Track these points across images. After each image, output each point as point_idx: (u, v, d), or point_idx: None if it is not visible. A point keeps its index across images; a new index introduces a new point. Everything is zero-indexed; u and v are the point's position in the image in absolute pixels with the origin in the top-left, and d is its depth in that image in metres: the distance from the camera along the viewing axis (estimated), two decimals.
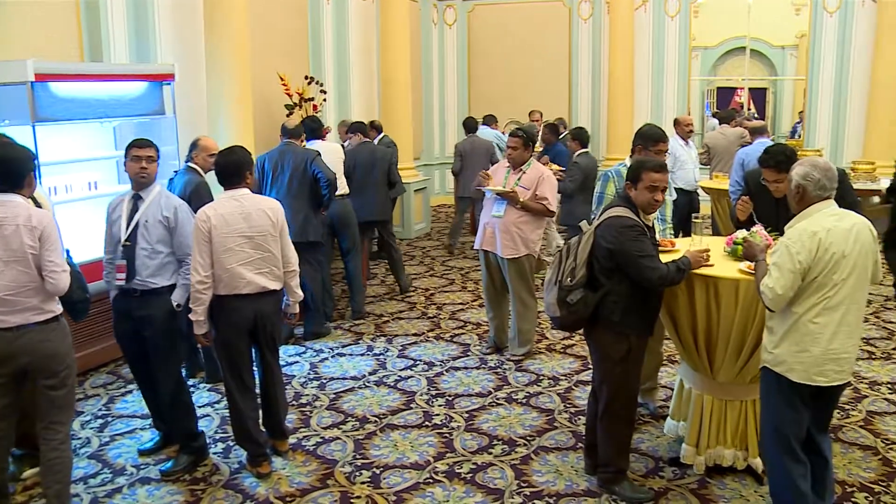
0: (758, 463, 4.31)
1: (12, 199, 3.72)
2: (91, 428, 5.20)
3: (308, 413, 5.38)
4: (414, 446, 4.87)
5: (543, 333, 6.93)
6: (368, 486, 4.39)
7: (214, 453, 4.80)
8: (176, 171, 6.11)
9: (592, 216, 4.99)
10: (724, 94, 22.64)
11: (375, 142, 9.88)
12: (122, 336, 4.66)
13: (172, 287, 4.53)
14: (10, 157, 3.80)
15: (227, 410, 4.74)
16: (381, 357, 6.49)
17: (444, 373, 6.12)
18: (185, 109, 7.23)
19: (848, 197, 4.67)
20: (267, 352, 4.62)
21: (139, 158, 4.46)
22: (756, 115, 16.23)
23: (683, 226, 8.08)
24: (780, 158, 4.61)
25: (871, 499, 4.24)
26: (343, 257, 7.67)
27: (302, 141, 7.16)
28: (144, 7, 7.46)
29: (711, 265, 4.18)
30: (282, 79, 9.25)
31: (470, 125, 10.46)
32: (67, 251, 4.00)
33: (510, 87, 13.93)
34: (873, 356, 6.52)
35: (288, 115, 9.02)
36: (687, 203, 8.23)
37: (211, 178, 5.07)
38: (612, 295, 4.02)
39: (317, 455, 4.76)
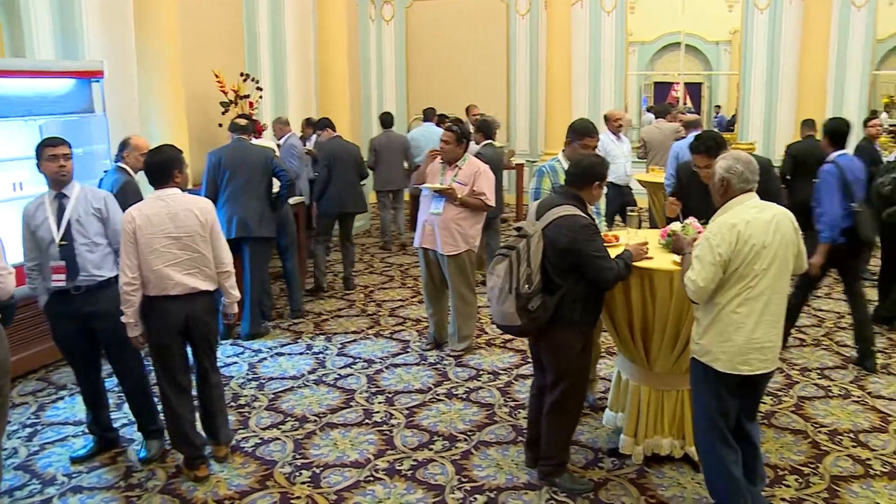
0: (694, 451, 4.38)
1: None
2: (18, 437, 5.04)
3: (247, 414, 5.31)
4: (354, 444, 4.84)
5: (483, 328, 6.96)
6: (308, 486, 4.36)
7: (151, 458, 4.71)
8: (106, 171, 5.97)
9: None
10: (661, 89, 22.98)
11: (313, 139, 9.82)
12: (65, 338, 4.57)
13: (117, 277, 4.42)
14: None
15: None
16: (321, 356, 6.44)
17: (384, 370, 6.10)
18: (115, 107, 7.07)
19: (772, 187, 4.79)
20: (201, 355, 4.54)
21: (56, 157, 4.38)
22: (692, 110, 16.51)
23: (613, 220, 8.24)
24: (710, 144, 4.71)
25: (800, 481, 4.36)
26: (281, 256, 7.60)
27: (251, 137, 7.08)
28: (70, 2, 7.26)
29: (650, 258, 4.24)
30: (216, 76, 9.09)
31: (385, 120, 10.64)
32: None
33: (448, 83, 13.92)
34: (804, 343, 6.69)
35: (223, 113, 8.87)
36: (617, 196, 8.33)
37: (143, 177, 4.96)
38: (570, 295, 4.01)
39: (256, 456, 4.70)
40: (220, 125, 8.57)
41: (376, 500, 4.21)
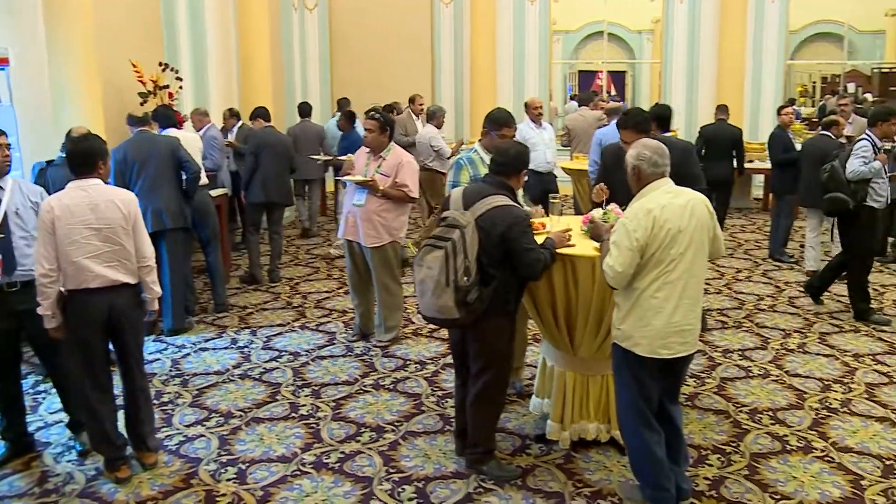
0: (620, 435, 4.45)
1: None
2: None
3: (170, 411, 5.18)
4: (280, 439, 4.78)
5: (410, 318, 6.94)
6: (234, 482, 4.28)
7: (68, 461, 4.56)
8: (49, 162, 5.76)
9: None
10: (586, 78, 23.30)
11: (234, 130, 9.65)
12: None
13: None
14: None
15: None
16: (246, 350, 6.33)
17: (310, 362, 6.04)
18: (25, 97, 6.81)
19: (694, 170, 4.86)
20: (126, 353, 4.38)
21: (0, 147, 4.26)
22: (616, 98, 16.76)
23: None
24: (637, 119, 4.74)
25: (722, 459, 4.47)
26: (203, 249, 7.45)
27: (153, 127, 6.89)
28: None
29: (573, 245, 4.26)
30: (134, 65, 8.84)
31: (303, 110, 10.64)
32: None
33: (373, 72, 13.81)
34: (726, 325, 6.85)
35: (142, 104, 8.64)
36: (538, 184, 8.39)
37: None
38: (504, 285, 4.01)
39: (179, 454, 4.60)
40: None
41: (303, 495, 4.15)
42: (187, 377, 5.77)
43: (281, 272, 8.57)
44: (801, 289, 7.76)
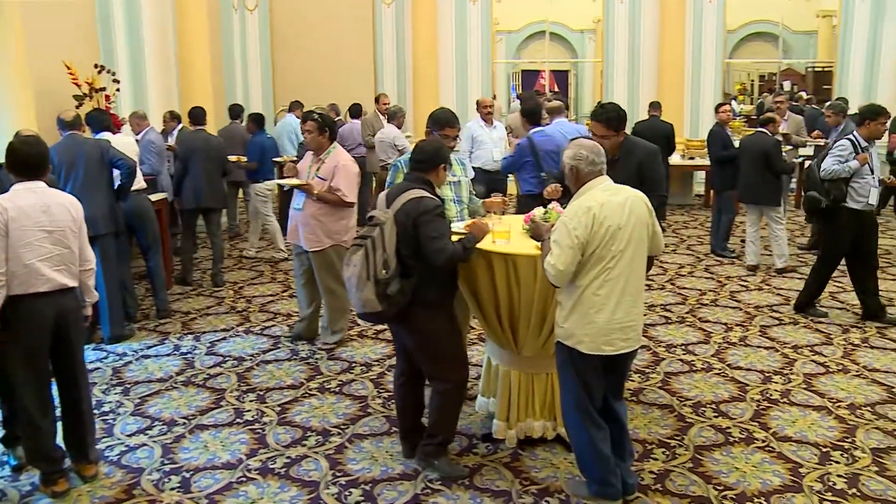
0: (566, 432, 4.48)
1: None
2: None
3: (111, 421, 5.06)
4: (225, 445, 4.70)
5: (355, 320, 6.87)
6: (178, 491, 4.19)
7: (0, 477, 4.41)
8: None
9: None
10: (530, 77, 23.52)
11: (175, 133, 9.50)
12: None
13: None
14: None
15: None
16: (189, 356, 6.22)
17: (255, 367, 5.96)
18: None
19: (655, 174, 4.85)
20: (70, 361, 4.25)
21: None
22: (559, 96, 16.88)
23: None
24: (612, 115, 4.67)
25: (667, 453, 4.52)
26: (144, 255, 7.30)
27: (85, 131, 6.73)
28: None
29: (508, 235, 4.31)
30: (68, 67, 8.64)
31: (234, 111, 10.58)
32: None
33: (316, 74, 13.70)
34: (669, 321, 6.95)
35: (78, 107, 8.43)
36: (486, 182, 8.42)
37: None
38: (425, 276, 4.03)
39: (121, 465, 4.49)
40: None
41: (249, 501, 4.09)
42: (129, 385, 5.65)
43: (225, 276, 8.44)
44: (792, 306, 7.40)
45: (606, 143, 4.51)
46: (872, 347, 6.26)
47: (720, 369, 5.81)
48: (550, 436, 4.58)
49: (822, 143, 9.74)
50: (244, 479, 4.31)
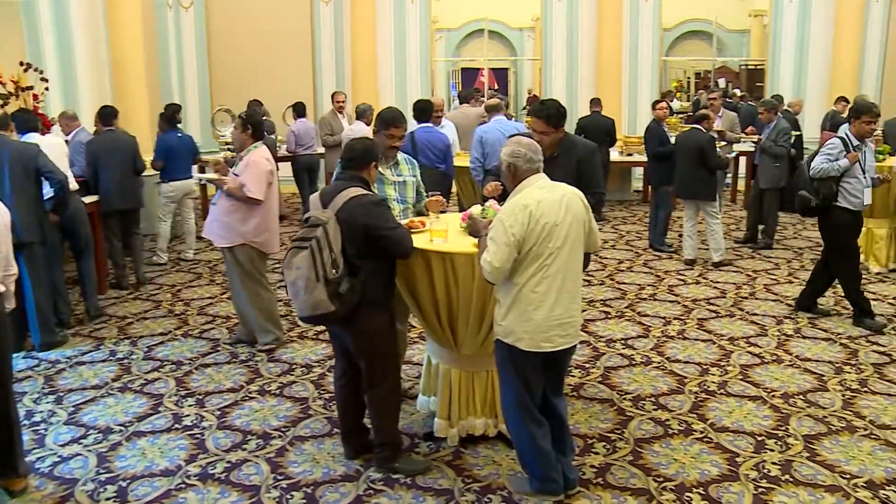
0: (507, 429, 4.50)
1: None
2: None
3: (42, 431, 4.91)
4: (164, 451, 4.61)
5: (296, 322, 6.82)
6: (115, 501, 4.10)
7: None
8: None
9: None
10: (470, 75, 23.61)
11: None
12: None
13: None
14: None
15: None
16: (126, 361, 6.08)
17: (194, 371, 5.85)
18: None
19: (595, 172, 4.88)
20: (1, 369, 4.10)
21: None
22: (499, 94, 16.97)
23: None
24: (552, 112, 4.65)
25: (608, 447, 4.57)
26: (76, 258, 7.13)
27: (12, 131, 6.51)
28: None
29: (446, 234, 4.31)
30: None
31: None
32: None
33: (253, 72, 13.49)
34: (609, 316, 7.02)
35: (2, 106, 8.19)
36: (432, 181, 8.38)
37: None
38: (371, 275, 4.03)
39: (53, 476, 4.35)
40: None
41: None
42: (62, 394, 5.49)
43: (160, 278, 8.28)
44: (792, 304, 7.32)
45: (546, 139, 4.53)
46: (804, 337, 6.41)
47: (659, 363, 5.89)
48: (492, 433, 4.60)
49: (756, 140, 9.95)
50: (183, 485, 4.23)
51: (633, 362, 5.90)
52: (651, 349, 6.18)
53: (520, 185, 3.74)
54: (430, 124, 8.02)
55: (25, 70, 8.79)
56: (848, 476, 4.24)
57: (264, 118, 10.91)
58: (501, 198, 4.85)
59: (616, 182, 12.84)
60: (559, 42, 14.38)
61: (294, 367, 5.90)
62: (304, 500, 4.06)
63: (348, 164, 4.24)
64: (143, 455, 4.57)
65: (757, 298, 7.43)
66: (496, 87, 22.39)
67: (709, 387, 5.43)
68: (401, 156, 4.98)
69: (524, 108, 17.61)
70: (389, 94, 13.81)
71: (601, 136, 10.73)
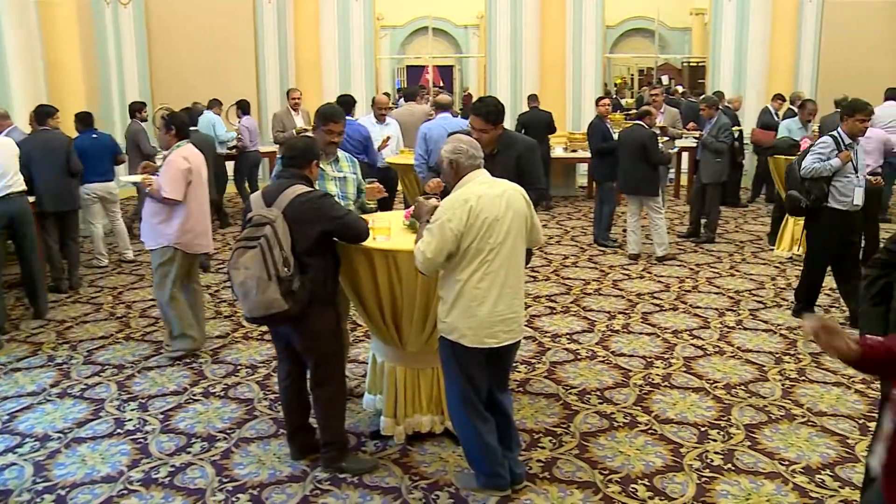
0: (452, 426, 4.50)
1: None
2: None
3: None
4: (105, 458, 4.51)
5: (240, 322, 6.73)
6: None
7: None
8: None
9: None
10: (415, 72, 23.57)
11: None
12: None
13: None
14: None
15: None
16: (65, 366, 5.93)
17: (136, 374, 5.74)
18: None
19: (535, 169, 4.92)
20: None
21: None
22: (444, 91, 16.97)
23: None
24: (490, 109, 4.67)
25: (554, 441, 4.60)
26: (22, 259, 6.99)
27: None
28: None
29: (389, 231, 4.30)
30: None
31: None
32: None
33: (195, 70, 13.29)
34: (554, 311, 7.07)
35: None
36: (376, 179, 8.37)
37: None
38: (320, 271, 4.02)
39: None
40: None
41: None
42: None
43: (100, 280, 8.11)
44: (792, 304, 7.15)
45: (485, 136, 4.55)
46: (745, 329, 6.54)
47: (604, 357, 5.95)
48: (438, 430, 4.60)
49: (698, 135, 10.12)
50: (126, 491, 4.15)
51: (579, 357, 5.95)
52: (596, 343, 6.23)
53: (461, 182, 3.75)
54: (349, 117, 8.01)
55: None
56: (787, 462, 4.34)
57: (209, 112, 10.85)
58: (443, 195, 4.87)
59: (560, 178, 12.94)
60: (503, 39, 14.45)
61: (239, 368, 5.82)
62: (251, 503, 4.01)
63: (290, 161, 4.20)
64: (83, 462, 4.47)
65: (700, 291, 7.56)
66: (441, 84, 22.41)
67: (653, 379, 5.50)
68: (341, 153, 4.96)
69: (461, 109, 17.66)
70: (334, 92, 13.65)
71: (542, 130, 11.11)
